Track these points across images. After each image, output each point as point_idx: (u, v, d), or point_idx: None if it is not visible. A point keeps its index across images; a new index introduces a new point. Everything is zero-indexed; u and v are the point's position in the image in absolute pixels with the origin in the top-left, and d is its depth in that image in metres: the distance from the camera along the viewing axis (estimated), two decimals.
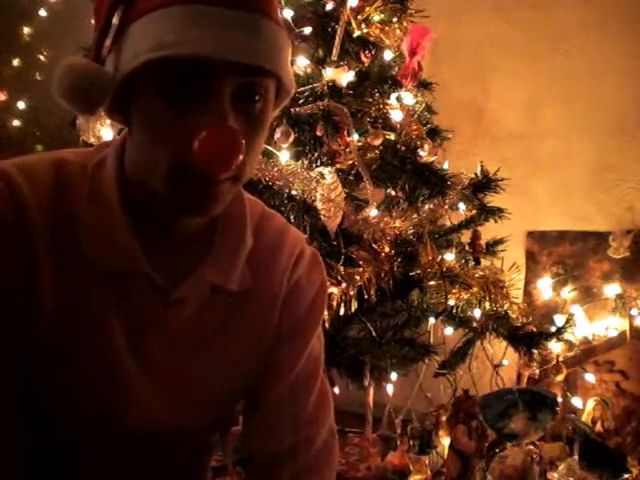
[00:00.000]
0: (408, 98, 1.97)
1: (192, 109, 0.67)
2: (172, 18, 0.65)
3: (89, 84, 0.69)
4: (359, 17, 1.88)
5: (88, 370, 0.77)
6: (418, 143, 1.91)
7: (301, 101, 1.76)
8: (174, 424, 0.82)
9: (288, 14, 1.87)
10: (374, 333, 1.87)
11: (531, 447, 1.65)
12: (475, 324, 1.88)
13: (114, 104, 0.72)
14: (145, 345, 0.79)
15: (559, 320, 2.31)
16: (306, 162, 1.74)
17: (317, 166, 1.73)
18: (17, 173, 0.74)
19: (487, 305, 1.81)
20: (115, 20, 0.70)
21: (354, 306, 1.65)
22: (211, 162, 0.66)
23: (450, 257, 1.85)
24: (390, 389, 2.06)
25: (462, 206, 2.01)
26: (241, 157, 0.66)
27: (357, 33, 1.90)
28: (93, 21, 0.73)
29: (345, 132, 1.79)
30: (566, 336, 2.10)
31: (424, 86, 2.06)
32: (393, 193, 2.00)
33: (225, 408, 0.91)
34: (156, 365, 0.80)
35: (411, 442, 1.83)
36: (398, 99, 1.93)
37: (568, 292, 2.50)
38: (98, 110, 0.72)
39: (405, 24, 1.96)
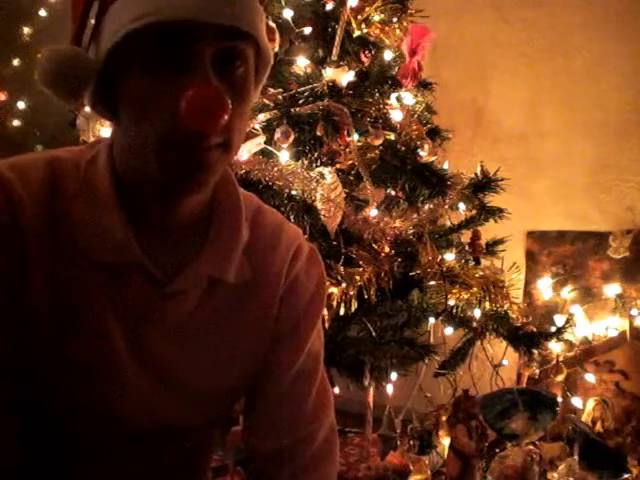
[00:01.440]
0: (408, 98, 1.97)
1: (175, 77, 0.68)
2: None
3: (71, 68, 0.70)
4: (359, 17, 1.88)
5: (85, 365, 0.77)
6: (418, 143, 1.91)
7: (301, 101, 1.76)
8: (173, 420, 0.82)
9: (288, 14, 1.87)
10: (374, 333, 1.87)
11: (531, 447, 1.65)
12: (475, 324, 1.88)
13: (98, 94, 0.73)
14: (143, 338, 0.79)
15: (559, 320, 2.31)
16: (306, 162, 1.74)
17: (317, 166, 1.73)
18: (9, 172, 0.74)
19: (487, 305, 1.81)
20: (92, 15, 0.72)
21: (354, 306, 1.65)
22: (198, 119, 0.66)
23: (450, 257, 1.85)
24: (390, 389, 2.06)
25: (462, 206, 2.01)
26: (226, 116, 0.67)
27: (357, 33, 1.90)
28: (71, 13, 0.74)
29: (345, 132, 1.79)
30: (566, 336, 2.10)
31: (424, 86, 2.06)
32: (393, 193, 2.00)
33: (225, 404, 0.91)
34: (154, 358, 0.80)
35: (411, 442, 1.83)
36: (398, 99, 1.93)
37: (568, 292, 2.50)
38: (81, 96, 0.73)
39: (405, 24, 1.96)
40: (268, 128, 1.74)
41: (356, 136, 1.79)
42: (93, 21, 0.72)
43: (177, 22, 0.66)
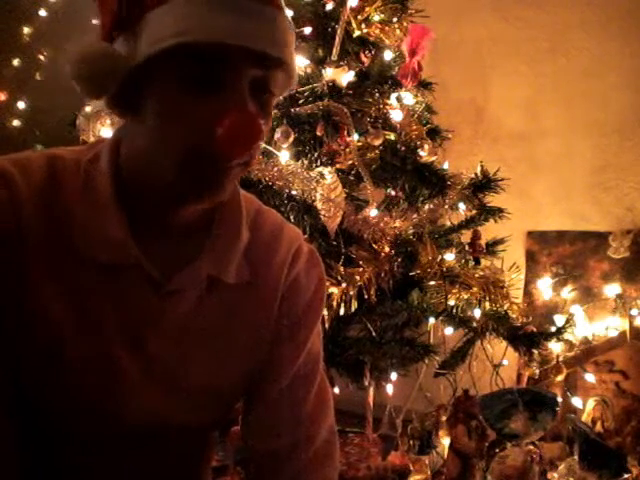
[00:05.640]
0: (408, 98, 1.97)
1: (212, 95, 0.69)
2: (194, 5, 0.67)
3: (104, 67, 0.70)
4: (359, 17, 1.88)
5: (84, 364, 0.77)
6: (418, 143, 1.91)
7: (301, 101, 1.76)
8: (173, 419, 0.82)
9: (288, 14, 1.86)
10: (374, 333, 1.87)
11: (531, 447, 1.65)
12: (475, 324, 1.88)
13: (121, 91, 0.73)
14: (142, 338, 0.79)
15: (559, 320, 2.31)
16: (306, 162, 1.73)
17: (317, 166, 1.73)
18: (12, 167, 0.75)
19: (487, 305, 1.81)
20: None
21: (354, 306, 1.65)
22: (234, 146, 0.69)
23: (450, 257, 1.85)
24: (390, 389, 2.06)
25: (462, 206, 2.00)
26: (261, 142, 0.70)
27: (357, 33, 1.90)
28: (98, 9, 0.74)
29: (345, 132, 1.79)
30: (566, 336, 2.10)
31: (424, 86, 2.06)
32: (393, 193, 2.00)
33: (224, 403, 0.91)
34: (153, 358, 0.80)
35: (411, 442, 1.83)
36: (398, 99, 1.93)
37: (568, 292, 2.50)
38: (108, 93, 0.73)
39: (405, 24, 1.96)
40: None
41: (356, 136, 1.79)
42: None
43: (223, 44, 0.67)
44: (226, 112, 0.68)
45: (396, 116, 1.90)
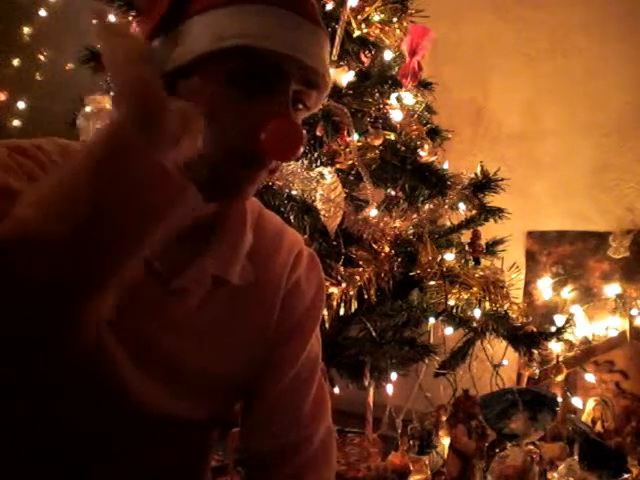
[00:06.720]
0: (408, 98, 1.97)
1: (260, 100, 0.72)
2: (255, 15, 0.70)
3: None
4: (359, 17, 1.88)
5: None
6: (418, 143, 1.91)
7: None
8: (171, 410, 0.82)
9: None
10: (374, 333, 1.87)
11: (531, 447, 1.65)
12: (475, 324, 1.88)
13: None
14: (144, 333, 0.79)
15: (559, 320, 2.31)
16: (306, 162, 1.73)
17: (317, 166, 1.73)
18: (30, 147, 0.76)
19: (487, 305, 1.81)
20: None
21: (354, 306, 1.65)
22: (278, 151, 0.71)
23: (450, 257, 1.85)
24: (390, 389, 2.06)
25: (462, 206, 2.00)
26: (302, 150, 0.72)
27: (357, 33, 1.90)
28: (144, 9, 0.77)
29: (345, 132, 1.78)
30: (566, 336, 2.10)
31: (424, 86, 2.06)
32: (393, 193, 1.99)
33: (223, 399, 0.91)
34: (154, 352, 0.80)
35: (411, 442, 1.83)
36: (398, 99, 1.93)
37: (568, 292, 2.50)
38: None
39: (405, 24, 1.96)
40: None
41: (356, 136, 1.79)
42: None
43: (280, 53, 0.70)
44: (273, 117, 0.70)
45: (396, 116, 1.90)
